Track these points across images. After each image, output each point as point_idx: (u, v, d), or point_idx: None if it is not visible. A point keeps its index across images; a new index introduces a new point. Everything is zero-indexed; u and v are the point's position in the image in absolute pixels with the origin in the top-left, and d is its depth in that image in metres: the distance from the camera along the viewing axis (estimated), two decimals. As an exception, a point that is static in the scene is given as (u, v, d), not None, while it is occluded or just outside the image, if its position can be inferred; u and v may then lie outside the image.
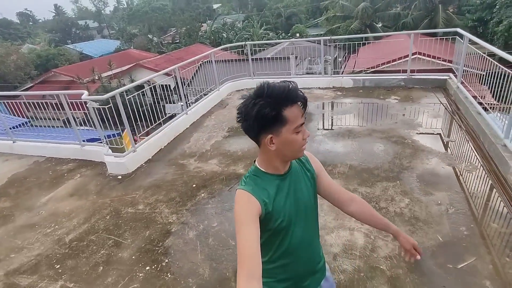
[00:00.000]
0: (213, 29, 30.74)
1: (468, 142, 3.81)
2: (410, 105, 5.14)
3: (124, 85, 16.65)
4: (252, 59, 7.04)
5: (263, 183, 1.07)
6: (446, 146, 3.86)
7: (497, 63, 3.68)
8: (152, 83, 5.69)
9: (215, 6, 50.27)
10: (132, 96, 4.43)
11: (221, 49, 7.15)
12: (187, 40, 30.76)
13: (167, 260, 2.61)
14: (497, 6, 14.02)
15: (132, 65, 18.71)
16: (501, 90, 3.60)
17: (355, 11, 22.30)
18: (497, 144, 3.32)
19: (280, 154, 1.05)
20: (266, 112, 0.97)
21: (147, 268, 2.56)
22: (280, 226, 1.07)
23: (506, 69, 3.42)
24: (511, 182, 2.92)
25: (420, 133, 4.17)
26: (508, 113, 3.28)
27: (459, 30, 5.04)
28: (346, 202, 1.26)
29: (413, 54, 11.63)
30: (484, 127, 3.70)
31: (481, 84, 4.57)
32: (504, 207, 2.72)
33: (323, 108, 5.59)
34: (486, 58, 4.00)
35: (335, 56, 14.25)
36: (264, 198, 1.03)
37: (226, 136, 4.87)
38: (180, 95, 5.23)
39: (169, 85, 6.31)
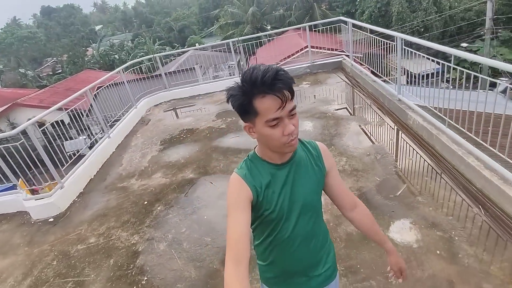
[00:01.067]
0: (100, 52, 28.54)
1: (372, 104, 4.67)
2: (320, 86, 5.93)
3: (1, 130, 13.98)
4: (165, 73, 6.98)
5: (258, 169, 1.02)
6: (357, 111, 4.65)
7: (380, 39, 4.62)
8: (45, 122, 4.31)
9: (97, 27, 46.64)
10: (20, 143, 3.52)
11: (126, 67, 6.86)
12: (72, 68, 27.85)
13: (146, 278, 2.48)
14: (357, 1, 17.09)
15: (6, 106, 15.85)
16: (381, 65, 4.57)
17: (245, 17, 23.91)
18: (393, 100, 4.20)
19: (264, 144, 1.00)
20: (235, 100, 0.92)
21: (126, 293, 2.39)
22: (270, 217, 1.03)
23: (385, 40, 4.34)
24: (411, 126, 3.76)
25: (335, 106, 4.90)
26: (392, 80, 4.19)
27: (342, 18, 6.08)
28: (348, 207, 1.19)
29: (305, 47, 13.11)
30: (381, 90, 4.60)
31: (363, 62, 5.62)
32: (410, 145, 3.50)
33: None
34: (369, 37, 4.98)
35: (237, 60, 15.10)
36: (256, 185, 0.99)
37: (162, 149, 4.75)
38: (86, 126, 4.67)
39: (63, 121, 4.50)
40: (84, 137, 9.93)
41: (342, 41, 6.76)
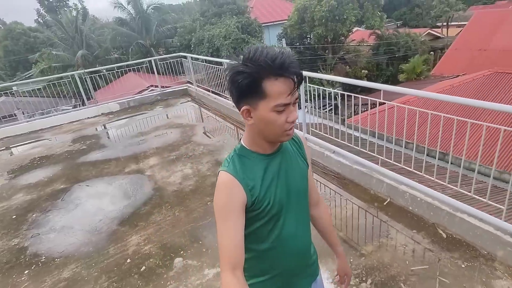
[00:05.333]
0: None
1: (215, 115, 6.19)
2: (172, 107, 7.10)
3: None
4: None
5: (249, 163, 0.96)
6: (205, 120, 6.07)
7: (215, 65, 6.30)
8: None
9: None
10: None
11: None
12: None
13: (43, 258, 2.75)
14: (191, 46, 19.84)
15: None
16: (221, 85, 6.30)
17: (75, 59, 22.73)
18: (233, 109, 5.84)
19: (260, 131, 0.94)
20: (243, 78, 0.84)
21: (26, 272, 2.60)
22: (270, 213, 0.97)
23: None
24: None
25: (187, 120, 6.14)
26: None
27: (182, 54, 7.61)
28: (312, 203, 1.17)
29: (149, 86, 14.12)
30: (222, 104, 6.22)
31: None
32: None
33: (105, 128, 6.37)
34: (206, 66, 6.64)
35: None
36: (249, 182, 0.93)
37: (13, 177, 4.56)
38: None
39: None
40: None
41: (185, 71, 8.28)
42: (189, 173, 3.96)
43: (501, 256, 2.08)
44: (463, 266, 2.10)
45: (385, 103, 3.00)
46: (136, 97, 7.93)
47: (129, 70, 10.97)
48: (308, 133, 3.92)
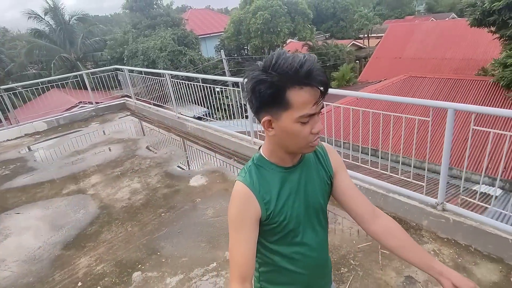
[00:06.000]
0: None
1: (158, 126, 6.08)
2: (110, 123, 6.75)
3: None
4: None
5: (267, 174, 0.93)
6: (146, 133, 5.92)
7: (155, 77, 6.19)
8: None
9: None
10: None
11: None
12: None
13: None
14: (124, 59, 19.01)
15: None
16: (163, 97, 6.21)
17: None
18: (174, 119, 5.79)
19: (281, 143, 0.89)
20: (265, 87, 0.79)
21: None
22: (286, 228, 0.95)
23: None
24: (190, 132, 5.43)
25: (129, 134, 5.92)
26: (172, 106, 5.84)
27: (117, 66, 7.31)
28: (367, 216, 1.01)
29: (78, 103, 13.17)
30: (164, 115, 6.12)
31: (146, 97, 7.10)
32: (192, 142, 5.13)
33: (30, 150, 5.78)
34: (144, 77, 6.49)
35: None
36: (265, 195, 0.91)
37: None
38: None
39: None
40: None
41: (122, 84, 7.94)
42: (137, 188, 3.84)
43: (426, 225, 2.49)
44: (399, 239, 2.45)
45: (323, 106, 3.35)
46: (65, 115, 7.35)
47: (53, 87, 10.05)
48: (256, 138, 4.14)
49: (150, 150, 5.04)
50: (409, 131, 6.88)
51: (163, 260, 2.57)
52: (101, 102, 7.64)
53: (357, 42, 27.24)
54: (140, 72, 6.83)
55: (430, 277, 2.14)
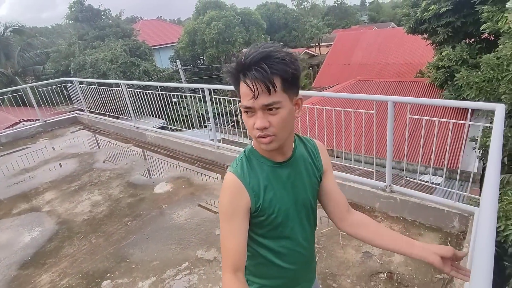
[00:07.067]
0: None
1: (116, 139, 5.94)
2: (61, 138, 6.43)
3: None
4: None
5: (256, 167, 0.95)
6: (103, 145, 5.76)
7: (108, 87, 6.04)
8: None
9: None
10: None
11: None
12: None
13: None
14: (71, 73, 18.07)
15: None
16: (120, 108, 6.08)
17: None
18: (133, 130, 5.71)
19: None
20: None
21: None
22: (275, 222, 0.96)
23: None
24: (150, 141, 5.39)
25: (85, 148, 5.70)
26: (130, 117, 5.76)
27: (66, 78, 7.02)
28: (341, 215, 1.07)
29: (19, 121, 12.33)
30: (121, 126, 6.00)
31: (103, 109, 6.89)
32: (153, 151, 5.11)
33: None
34: (97, 88, 6.31)
35: None
36: (255, 186, 0.92)
37: None
38: None
39: None
40: None
41: (72, 98, 7.60)
42: (98, 200, 3.75)
43: (378, 207, 2.81)
44: (357, 222, 2.73)
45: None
46: (8, 132, 6.85)
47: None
48: (219, 142, 4.28)
49: (109, 162, 4.93)
50: (358, 127, 7.45)
51: (133, 266, 2.58)
52: (49, 118, 7.23)
53: (309, 50, 28.67)
54: (93, 84, 6.64)
55: (384, 251, 2.46)
